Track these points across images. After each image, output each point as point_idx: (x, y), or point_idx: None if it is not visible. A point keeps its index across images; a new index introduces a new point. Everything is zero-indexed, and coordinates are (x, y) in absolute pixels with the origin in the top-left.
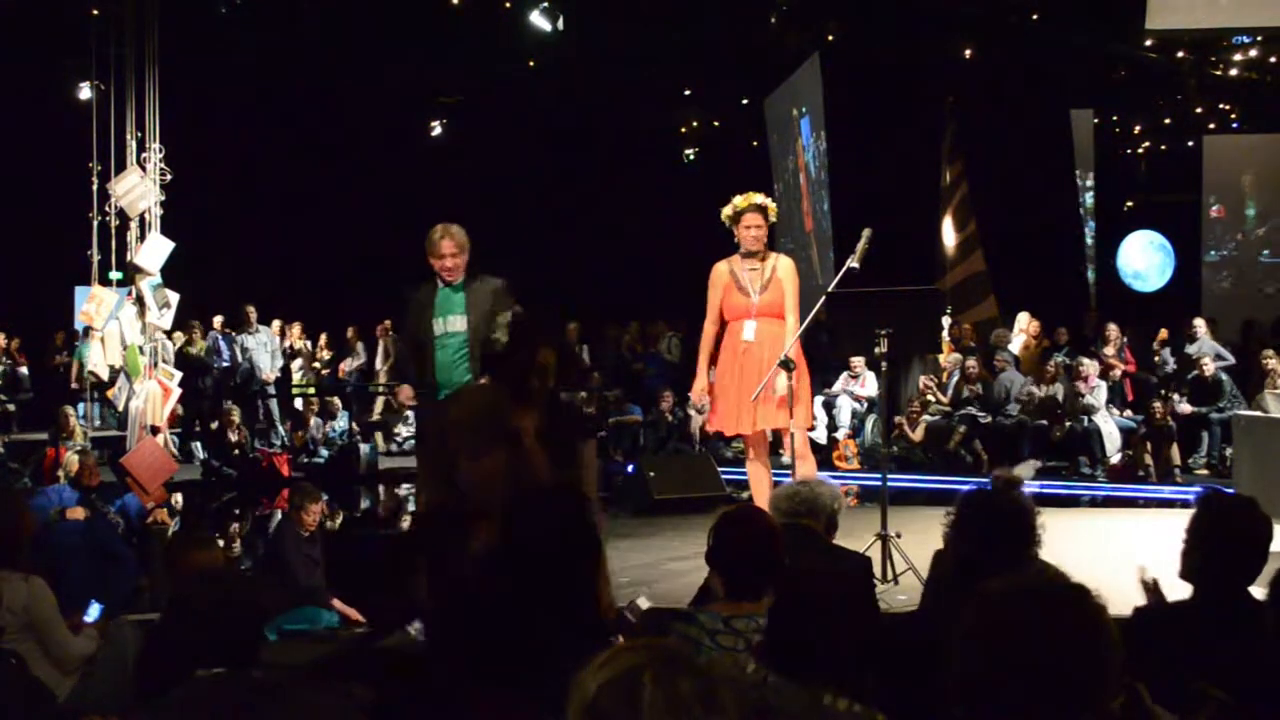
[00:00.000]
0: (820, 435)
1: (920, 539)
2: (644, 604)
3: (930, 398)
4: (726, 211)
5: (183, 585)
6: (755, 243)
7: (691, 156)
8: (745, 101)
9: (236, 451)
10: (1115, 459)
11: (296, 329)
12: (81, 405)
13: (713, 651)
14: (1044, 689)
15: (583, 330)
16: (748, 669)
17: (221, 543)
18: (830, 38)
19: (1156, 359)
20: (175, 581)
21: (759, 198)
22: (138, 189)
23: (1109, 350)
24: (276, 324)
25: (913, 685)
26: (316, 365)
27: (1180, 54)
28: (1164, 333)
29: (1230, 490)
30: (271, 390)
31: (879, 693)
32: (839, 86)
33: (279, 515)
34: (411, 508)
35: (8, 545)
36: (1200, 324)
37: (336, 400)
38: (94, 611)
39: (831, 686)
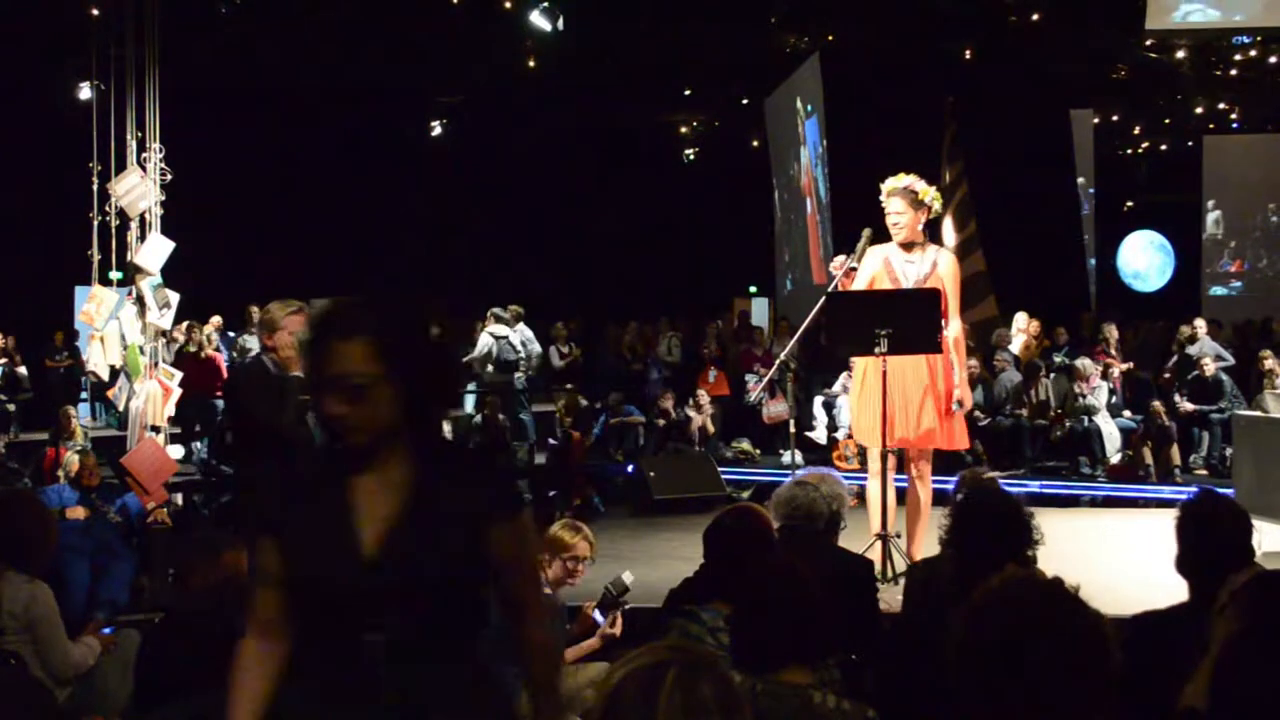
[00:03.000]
0: (820, 435)
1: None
2: (628, 578)
3: None
4: (883, 197)
5: (197, 595)
6: (896, 231)
7: (691, 156)
8: (745, 101)
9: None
10: (1115, 459)
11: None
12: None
13: (716, 648)
14: (1042, 689)
15: (582, 329)
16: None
17: None
18: (830, 38)
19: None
20: (193, 584)
21: (905, 180)
22: (138, 189)
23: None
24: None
25: (909, 684)
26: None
27: (1180, 54)
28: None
29: (1227, 490)
30: None
31: (876, 691)
32: (839, 86)
33: None
34: None
35: (22, 548)
36: (1201, 324)
37: None
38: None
39: (817, 685)
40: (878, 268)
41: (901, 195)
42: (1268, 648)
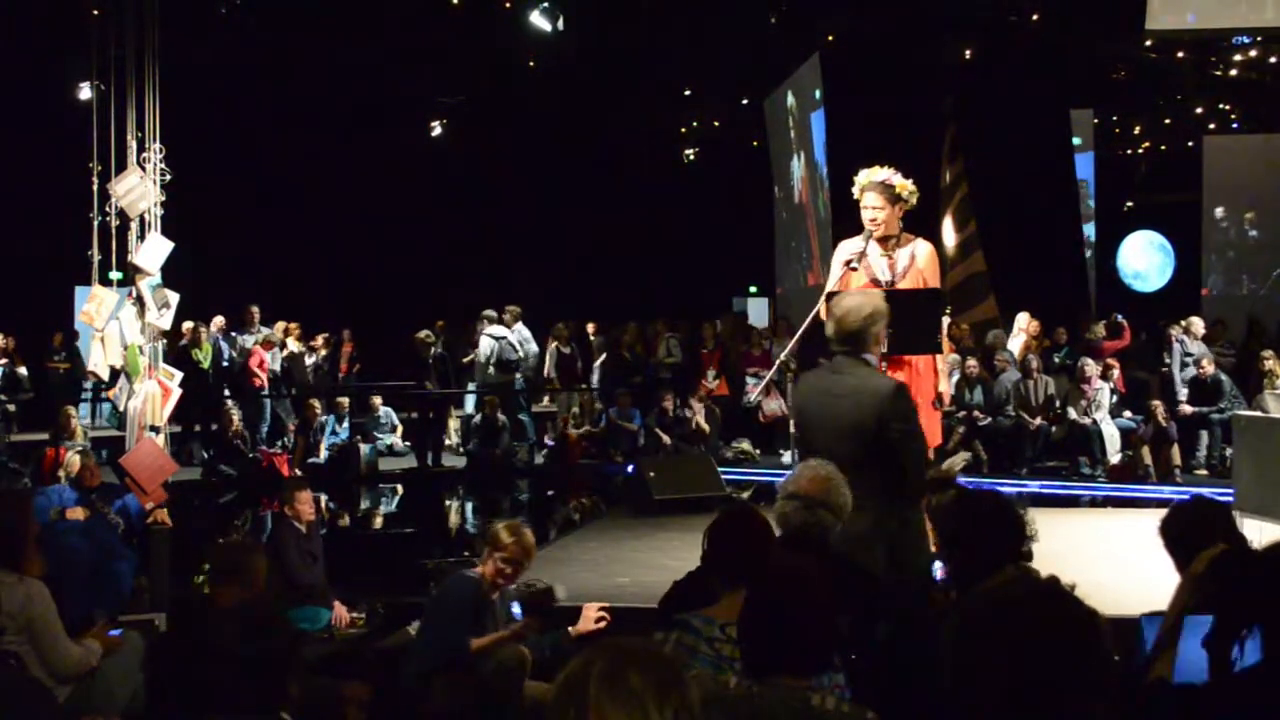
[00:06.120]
0: None
1: None
2: (561, 592)
3: None
4: (855, 191)
5: (231, 609)
6: (875, 227)
7: (691, 156)
8: (745, 101)
9: (239, 450)
10: (1115, 459)
11: (295, 329)
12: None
13: (712, 657)
14: (1038, 688)
15: (580, 329)
16: (731, 682)
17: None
18: (830, 38)
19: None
20: (228, 595)
21: (882, 173)
22: (138, 189)
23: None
24: (280, 325)
25: (910, 684)
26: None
27: (1180, 54)
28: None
29: (1227, 491)
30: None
31: (876, 692)
32: (839, 87)
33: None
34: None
35: (6, 546)
36: (1198, 324)
37: (344, 401)
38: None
39: (816, 687)
40: (846, 269)
41: (879, 190)
42: (1229, 620)
